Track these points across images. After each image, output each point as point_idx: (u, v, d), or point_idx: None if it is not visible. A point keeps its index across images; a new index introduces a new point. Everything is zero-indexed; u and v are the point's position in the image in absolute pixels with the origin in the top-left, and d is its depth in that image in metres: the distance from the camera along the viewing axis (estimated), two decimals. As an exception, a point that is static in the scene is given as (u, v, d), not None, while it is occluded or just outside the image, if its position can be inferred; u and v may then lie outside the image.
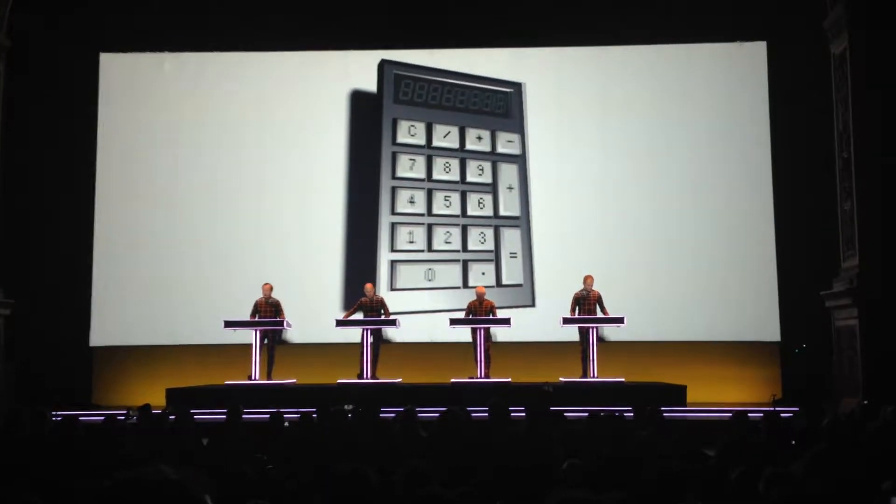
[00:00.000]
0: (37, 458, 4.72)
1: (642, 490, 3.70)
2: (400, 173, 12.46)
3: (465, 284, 12.19)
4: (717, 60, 12.45)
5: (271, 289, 11.27)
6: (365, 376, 10.84)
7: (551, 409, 6.80)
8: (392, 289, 12.16)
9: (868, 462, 4.17)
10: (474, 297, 11.25)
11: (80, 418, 7.28)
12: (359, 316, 11.17)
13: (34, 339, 11.65)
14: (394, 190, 12.43)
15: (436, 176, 12.47)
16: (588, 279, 11.07)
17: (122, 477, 2.13)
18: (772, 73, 12.20)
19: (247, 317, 11.08)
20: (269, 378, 11.06)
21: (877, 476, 3.65)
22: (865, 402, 8.52)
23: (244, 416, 7.05)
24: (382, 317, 11.14)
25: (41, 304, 11.81)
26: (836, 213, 10.69)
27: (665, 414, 9.09)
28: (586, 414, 6.71)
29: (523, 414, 6.86)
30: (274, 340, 11.30)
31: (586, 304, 10.99)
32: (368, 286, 11.36)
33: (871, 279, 9.78)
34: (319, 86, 12.67)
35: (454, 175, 12.47)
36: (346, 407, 6.90)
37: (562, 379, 10.88)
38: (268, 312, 11.14)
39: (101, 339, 12.31)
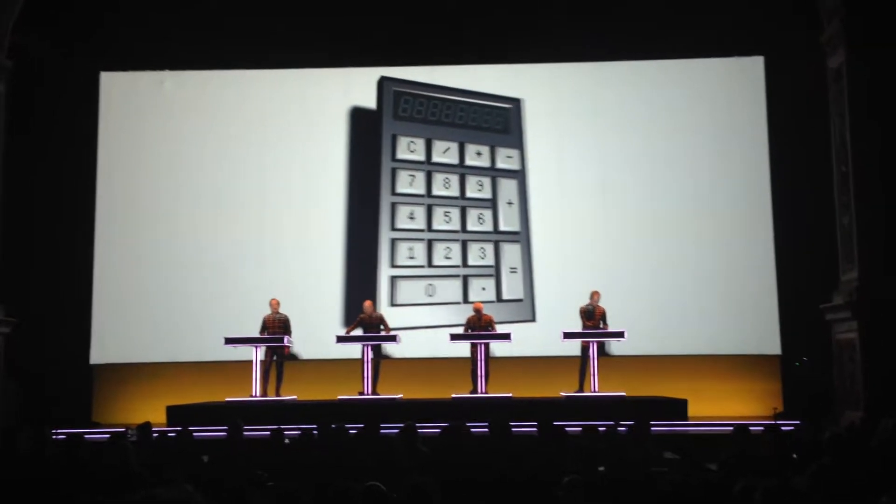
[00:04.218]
0: (40, 476, 4.72)
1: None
2: (400, 189, 12.50)
3: (466, 300, 12.20)
4: (715, 75, 12.51)
5: (278, 304, 11.28)
6: (366, 392, 10.83)
7: (554, 423, 6.79)
8: (392, 304, 12.17)
9: (868, 476, 4.17)
10: (472, 313, 11.26)
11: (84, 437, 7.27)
12: (359, 332, 11.18)
13: (35, 358, 11.63)
14: (394, 206, 12.46)
15: (435, 192, 12.51)
16: (595, 294, 11.09)
17: (135, 498, 2.14)
18: (769, 87, 12.27)
19: (248, 333, 11.08)
20: (277, 394, 11.06)
21: (877, 489, 3.65)
22: (863, 415, 8.51)
23: (245, 432, 7.05)
24: (382, 332, 11.14)
25: (42, 322, 11.80)
26: (835, 226, 10.72)
27: (666, 428, 9.13)
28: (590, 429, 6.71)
29: (524, 429, 6.86)
30: (283, 357, 11.28)
31: (592, 318, 11.01)
32: (367, 303, 11.37)
33: (871, 292, 9.79)
34: (319, 103, 12.72)
35: (454, 191, 12.51)
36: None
37: (563, 393, 10.87)
38: (276, 328, 11.15)
39: (102, 356, 12.31)
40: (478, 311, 11.21)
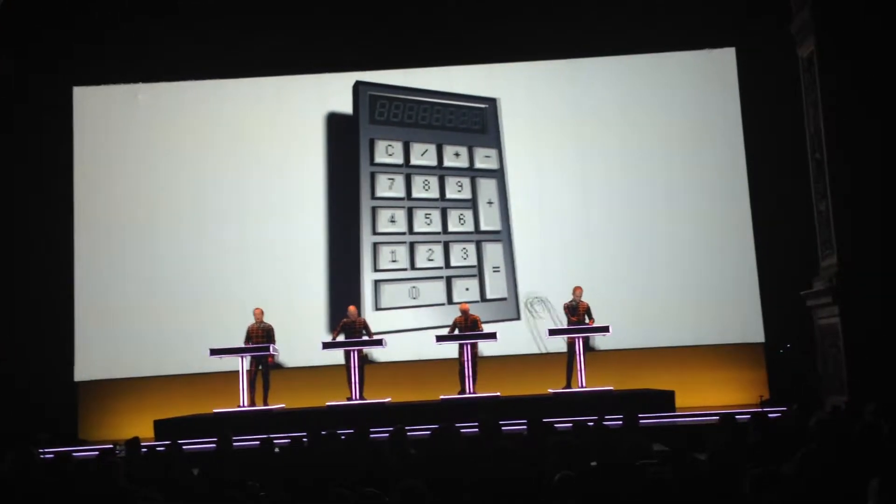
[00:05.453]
0: (27, 497, 4.68)
1: (635, 499, 3.73)
2: (379, 193, 12.49)
3: (450, 301, 12.21)
4: (688, 68, 12.60)
5: (262, 313, 11.24)
6: (354, 397, 10.82)
7: (543, 420, 6.81)
8: (377, 308, 12.16)
9: (854, 459, 4.22)
10: (459, 314, 11.27)
11: (72, 455, 7.22)
12: (342, 337, 11.17)
13: (18, 376, 11.53)
14: (374, 210, 12.46)
15: (415, 194, 12.51)
16: (577, 290, 11.14)
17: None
18: (742, 78, 12.37)
19: (232, 343, 11.02)
20: (265, 403, 11.02)
21: (863, 473, 3.69)
22: (848, 400, 8.59)
23: (234, 443, 7.02)
24: (365, 338, 11.13)
25: (24, 341, 11.71)
26: (812, 212, 10.81)
27: (655, 420, 9.19)
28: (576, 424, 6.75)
29: (514, 428, 6.88)
30: (268, 366, 11.24)
31: (576, 314, 11.06)
32: (351, 309, 11.34)
33: (850, 277, 9.88)
34: (295, 110, 12.69)
35: (434, 192, 12.52)
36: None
37: (551, 390, 10.91)
38: (260, 338, 11.11)
39: (86, 373, 12.21)
40: (464, 311, 11.22)
